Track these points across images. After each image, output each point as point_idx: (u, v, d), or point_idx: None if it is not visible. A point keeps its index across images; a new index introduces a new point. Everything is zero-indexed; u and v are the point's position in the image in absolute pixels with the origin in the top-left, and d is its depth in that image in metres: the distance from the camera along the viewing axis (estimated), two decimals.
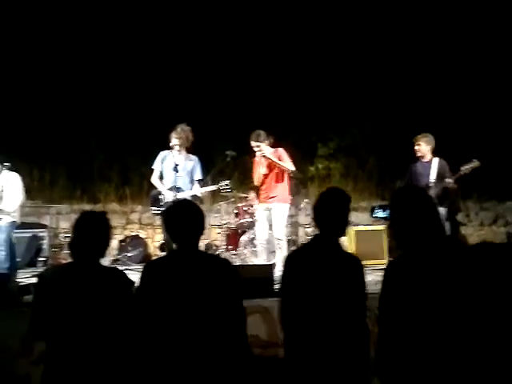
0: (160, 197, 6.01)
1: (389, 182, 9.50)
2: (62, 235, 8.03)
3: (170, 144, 5.93)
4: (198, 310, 2.49)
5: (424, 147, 6.15)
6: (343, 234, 2.66)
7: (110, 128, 9.93)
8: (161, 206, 5.92)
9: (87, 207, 9.11)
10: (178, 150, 5.92)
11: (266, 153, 5.94)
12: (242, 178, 8.88)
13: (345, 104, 10.23)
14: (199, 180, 6.02)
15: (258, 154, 5.99)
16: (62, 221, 8.65)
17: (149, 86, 10.22)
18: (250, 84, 10.28)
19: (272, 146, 6.05)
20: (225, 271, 2.60)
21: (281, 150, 6.03)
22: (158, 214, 6.09)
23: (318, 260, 2.57)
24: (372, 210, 2.66)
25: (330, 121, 10.16)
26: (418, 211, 2.28)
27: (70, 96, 10.07)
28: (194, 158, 6.05)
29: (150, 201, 6.14)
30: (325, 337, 2.49)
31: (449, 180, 5.88)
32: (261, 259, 6.14)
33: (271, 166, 6.02)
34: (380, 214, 2.60)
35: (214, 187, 5.94)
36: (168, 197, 5.90)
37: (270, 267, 5.13)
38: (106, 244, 2.59)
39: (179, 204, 2.76)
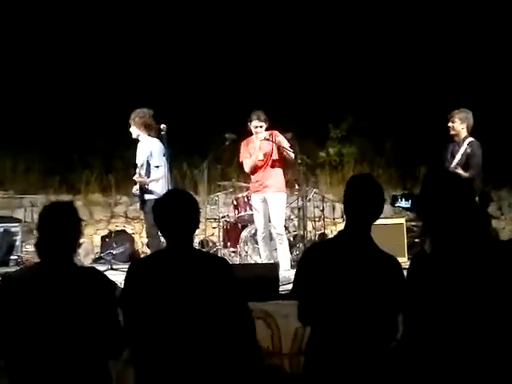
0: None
1: (411, 168, 9.46)
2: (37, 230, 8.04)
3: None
4: (193, 317, 2.47)
5: (458, 125, 6.04)
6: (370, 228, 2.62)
7: (91, 110, 9.89)
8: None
9: (66, 198, 9.08)
10: (137, 137, 6.07)
11: (272, 137, 5.96)
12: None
13: (359, 78, 10.16)
14: (156, 166, 5.99)
15: (259, 136, 5.98)
16: (37, 214, 8.65)
17: (136, 66, 10.20)
18: (249, 57, 10.23)
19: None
20: (222, 272, 2.58)
21: (277, 133, 6.04)
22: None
23: (350, 258, 2.52)
24: (393, 200, 2.61)
25: (342, 98, 10.07)
26: (455, 198, 2.27)
27: (46, 76, 10.03)
28: (148, 141, 6.03)
29: None
30: (353, 349, 2.44)
31: (459, 170, 5.70)
32: (263, 257, 6.19)
33: (268, 152, 6.03)
34: (403, 204, 2.55)
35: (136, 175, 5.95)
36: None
37: (274, 266, 5.13)
38: (75, 239, 2.51)
39: (169, 195, 2.74)
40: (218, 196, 7.56)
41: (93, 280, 2.52)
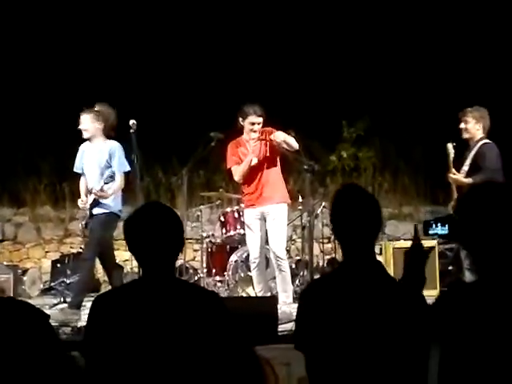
0: None
1: (443, 178, 9.49)
2: None
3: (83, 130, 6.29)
4: (178, 369, 2.45)
5: (472, 126, 6.17)
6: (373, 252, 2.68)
7: (39, 100, 9.92)
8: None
9: (7, 212, 9.11)
10: (93, 137, 6.28)
11: (265, 135, 6.07)
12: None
13: (380, 66, 10.22)
14: (126, 172, 6.18)
15: (252, 136, 6.06)
16: None
17: (97, 52, 10.31)
18: (238, 42, 10.33)
19: None
20: (214, 310, 2.57)
21: (270, 130, 6.12)
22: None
23: (357, 298, 2.54)
24: (426, 226, 2.64)
25: (359, 91, 10.15)
26: (507, 216, 2.25)
27: None
28: (110, 144, 6.23)
29: None
30: None
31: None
32: (258, 288, 6.24)
33: (264, 154, 6.14)
34: (439, 230, 2.57)
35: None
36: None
37: (271, 300, 5.18)
38: None
39: (145, 209, 2.74)
40: (200, 210, 7.61)
41: (14, 315, 2.30)
